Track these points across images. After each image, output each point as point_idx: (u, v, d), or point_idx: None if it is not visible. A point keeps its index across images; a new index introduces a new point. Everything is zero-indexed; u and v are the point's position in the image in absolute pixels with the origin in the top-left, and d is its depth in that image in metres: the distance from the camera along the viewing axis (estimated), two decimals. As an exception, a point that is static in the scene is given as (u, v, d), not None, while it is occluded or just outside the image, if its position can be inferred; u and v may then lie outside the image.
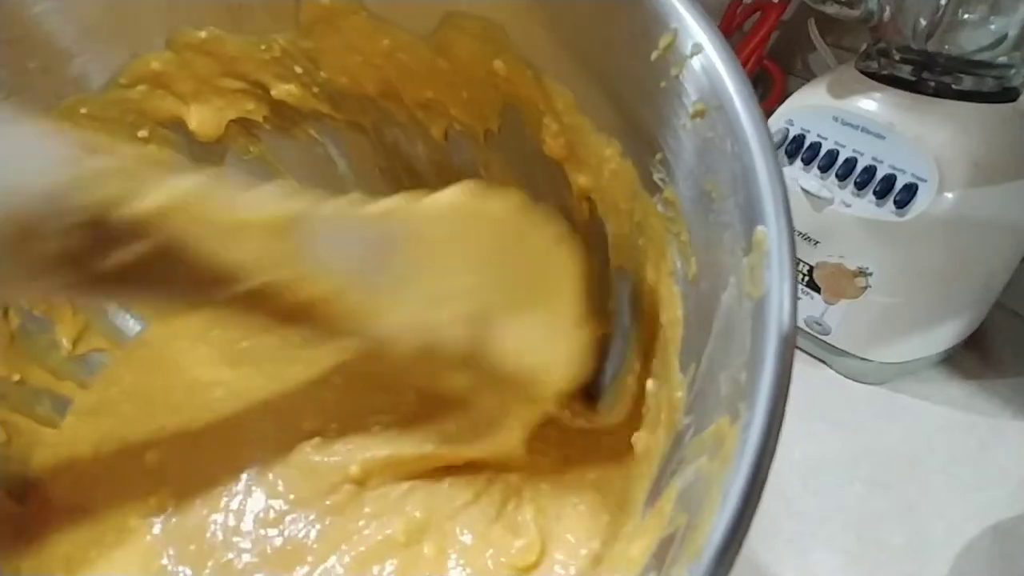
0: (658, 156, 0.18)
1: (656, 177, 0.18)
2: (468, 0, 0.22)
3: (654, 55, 0.16)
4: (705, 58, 0.15)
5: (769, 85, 0.43)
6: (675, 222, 0.18)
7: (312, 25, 0.25)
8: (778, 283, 0.13)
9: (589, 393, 0.25)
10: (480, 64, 0.23)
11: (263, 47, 0.26)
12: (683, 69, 0.16)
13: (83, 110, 0.26)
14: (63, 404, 0.27)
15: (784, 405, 0.12)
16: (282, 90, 0.27)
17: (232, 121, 0.28)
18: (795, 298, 0.13)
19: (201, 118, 0.28)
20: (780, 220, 0.13)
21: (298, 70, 0.27)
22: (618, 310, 0.24)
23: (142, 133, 0.28)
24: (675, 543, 0.13)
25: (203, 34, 0.25)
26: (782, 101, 0.33)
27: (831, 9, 0.29)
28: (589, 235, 0.24)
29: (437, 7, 0.22)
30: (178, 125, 0.28)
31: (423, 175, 0.30)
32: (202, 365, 0.28)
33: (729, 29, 0.41)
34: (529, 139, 0.24)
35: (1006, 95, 0.28)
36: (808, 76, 0.43)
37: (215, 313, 0.28)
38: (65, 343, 0.28)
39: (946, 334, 0.31)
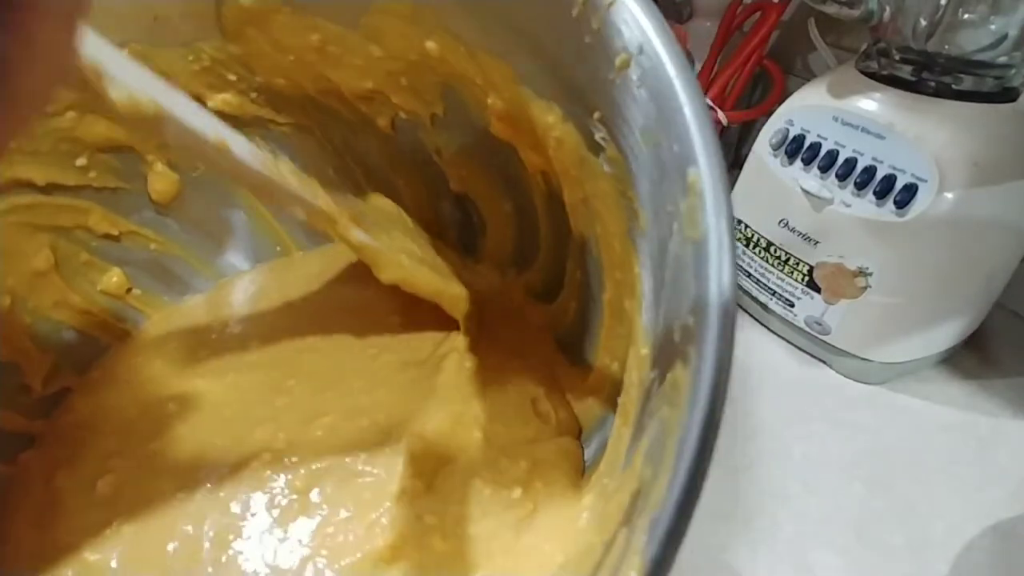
0: (596, 115, 0.18)
1: (598, 137, 0.18)
2: None
3: (575, 11, 0.17)
4: (623, 7, 0.15)
5: (769, 85, 0.43)
6: (621, 180, 0.18)
7: (237, 29, 0.25)
8: (715, 223, 0.13)
9: (582, 361, 0.25)
10: (413, 47, 0.23)
11: (191, 58, 0.25)
12: (603, 21, 0.16)
13: (11, 144, 0.25)
14: (24, 442, 0.26)
15: (731, 344, 0.12)
16: (218, 100, 0.27)
17: None
18: (732, 237, 0.13)
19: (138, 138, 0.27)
20: (710, 160, 0.13)
21: (231, 77, 0.26)
22: (587, 279, 0.24)
23: (80, 162, 0.26)
24: (641, 495, 0.14)
25: (125, 51, 0.24)
26: (782, 101, 0.33)
27: (831, 9, 0.29)
28: (551, 207, 0.24)
29: None
30: (118, 148, 0.27)
31: (377, 169, 0.30)
32: (156, 381, 0.27)
33: (729, 29, 0.41)
34: (475, 119, 0.24)
35: (1006, 95, 0.28)
36: (808, 76, 0.43)
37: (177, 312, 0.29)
38: (36, 386, 0.26)
39: (946, 334, 0.31)
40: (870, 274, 0.29)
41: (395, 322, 0.28)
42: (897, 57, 0.29)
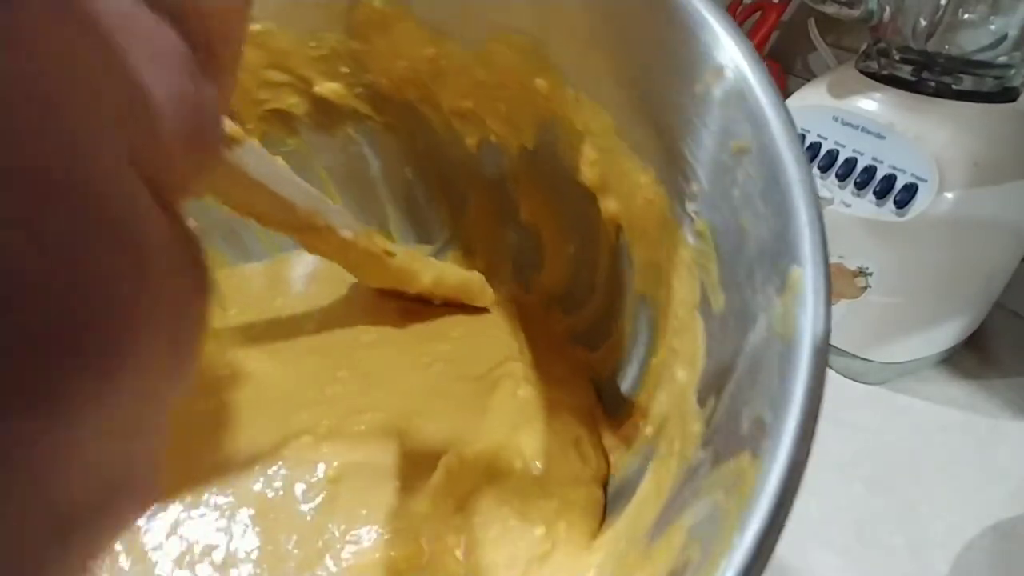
0: (694, 187, 0.17)
1: (690, 208, 0.18)
2: (516, 15, 0.22)
3: (698, 87, 0.16)
4: (751, 95, 0.15)
5: None
6: (705, 255, 0.17)
7: (363, 27, 0.26)
8: (811, 326, 0.12)
9: (613, 411, 0.25)
10: (522, 79, 0.23)
11: (313, 44, 0.27)
12: (728, 105, 0.15)
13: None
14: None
15: (810, 447, 0.12)
16: (326, 87, 0.28)
17: (272, 111, 0.29)
18: (827, 341, 0.12)
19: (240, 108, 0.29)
20: (817, 262, 0.13)
21: (344, 70, 0.27)
22: (637, 337, 0.24)
23: None
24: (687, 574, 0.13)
25: (257, 27, 0.26)
26: (782, 101, 0.33)
27: (831, 9, 0.29)
28: (615, 259, 0.24)
29: (485, 19, 0.23)
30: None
31: (453, 181, 0.30)
32: (211, 341, 0.27)
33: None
34: (563, 161, 0.24)
35: (1006, 95, 0.28)
36: (808, 76, 0.43)
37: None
38: None
39: (946, 334, 0.31)
40: (870, 274, 0.29)
41: (454, 334, 0.28)
42: (897, 57, 0.29)
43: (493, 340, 0.27)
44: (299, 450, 0.22)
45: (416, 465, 0.22)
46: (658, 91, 0.18)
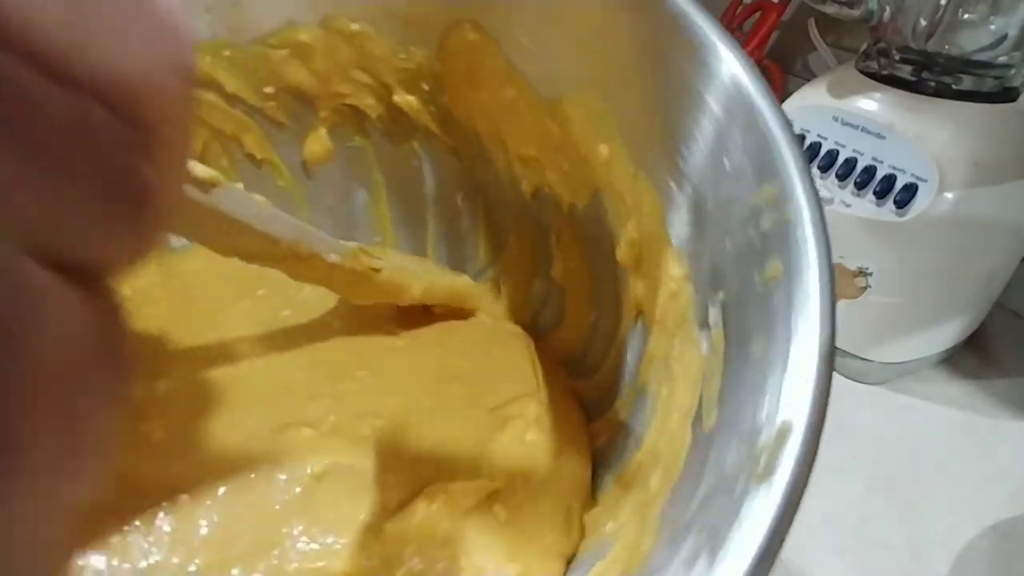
0: (720, 296, 0.17)
1: (711, 316, 0.17)
2: (589, 71, 0.22)
3: (751, 197, 0.16)
4: (797, 218, 0.14)
5: (769, 85, 0.43)
6: (711, 367, 0.17)
7: (452, 53, 0.26)
8: (790, 478, 0.13)
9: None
10: (588, 142, 0.23)
11: (403, 56, 0.27)
12: (773, 225, 0.15)
13: (226, 52, 0.28)
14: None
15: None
16: (404, 98, 0.29)
17: (348, 106, 0.30)
18: (802, 491, 0.12)
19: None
20: (812, 418, 0.13)
21: (424, 86, 0.28)
22: (627, 425, 0.24)
23: (268, 90, 0.29)
24: None
25: (355, 27, 0.27)
26: (782, 101, 0.33)
27: (831, 9, 0.29)
28: (631, 341, 0.24)
29: (568, 77, 0.23)
30: (304, 95, 0.30)
31: (498, 220, 0.31)
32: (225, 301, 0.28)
33: (729, 29, 0.41)
34: (606, 231, 0.24)
35: (1006, 95, 0.28)
36: (808, 76, 0.43)
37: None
38: None
39: (946, 334, 0.31)
40: (870, 274, 0.29)
41: (477, 354, 0.27)
42: (897, 57, 0.29)
43: (514, 371, 0.27)
44: (296, 441, 0.22)
45: (402, 484, 0.21)
46: (713, 191, 0.18)
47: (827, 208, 0.29)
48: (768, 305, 0.14)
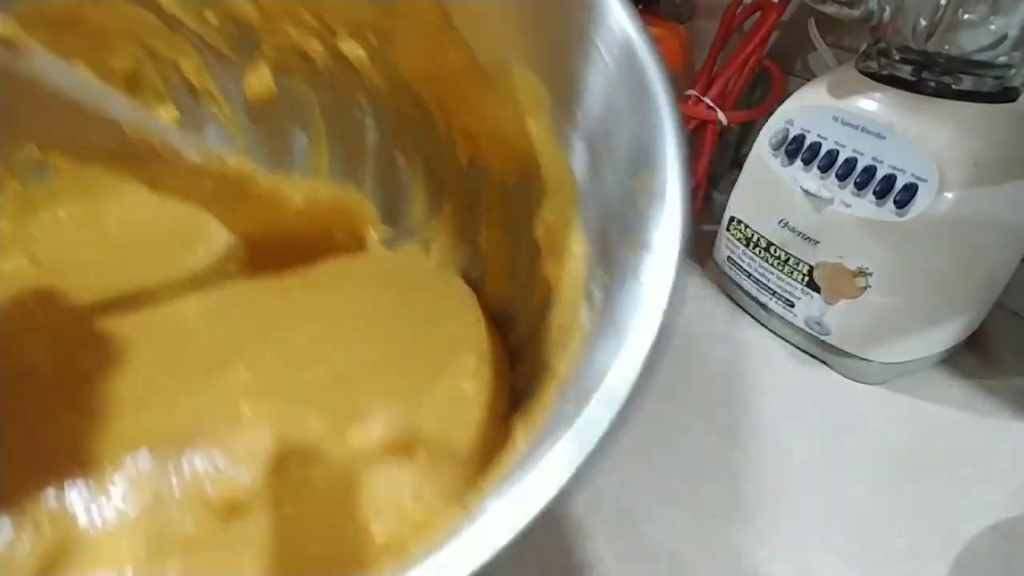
0: (606, 278, 0.18)
1: (595, 292, 0.18)
2: (530, 53, 0.22)
3: (632, 183, 0.17)
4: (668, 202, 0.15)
5: (769, 85, 0.43)
6: (585, 340, 0.17)
7: (403, 13, 0.26)
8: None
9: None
10: (519, 115, 0.23)
11: (352, 3, 0.27)
12: (646, 207, 0.16)
13: None
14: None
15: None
16: (350, 48, 0.29)
17: (294, 48, 0.30)
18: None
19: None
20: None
21: (373, 41, 0.28)
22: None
23: (211, 18, 0.29)
24: None
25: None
26: (782, 101, 0.33)
27: (831, 9, 0.29)
28: (543, 313, 0.24)
29: (512, 49, 0.23)
30: (249, 27, 0.30)
31: (436, 186, 0.31)
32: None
33: (729, 29, 0.41)
34: (529, 210, 0.25)
35: (1006, 95, 0.28)
36: (808, 76, 0.43)
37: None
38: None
39: (946, 334, 0.31)
40: (870, 274, 0.29)
41: (421, 306, 0.28)
42: (897, 57, 0.29)
43: (456, 322, 0.27)
44: (231, 382, 0.23)
45: (329, 424, 0.21)
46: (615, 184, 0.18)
47: (827, 208, 0.29)
48: (636, 282, 0.15)
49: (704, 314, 0.37)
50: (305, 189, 0.26)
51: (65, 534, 0.18)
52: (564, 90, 0.20)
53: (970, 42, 0.27)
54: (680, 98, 0.40)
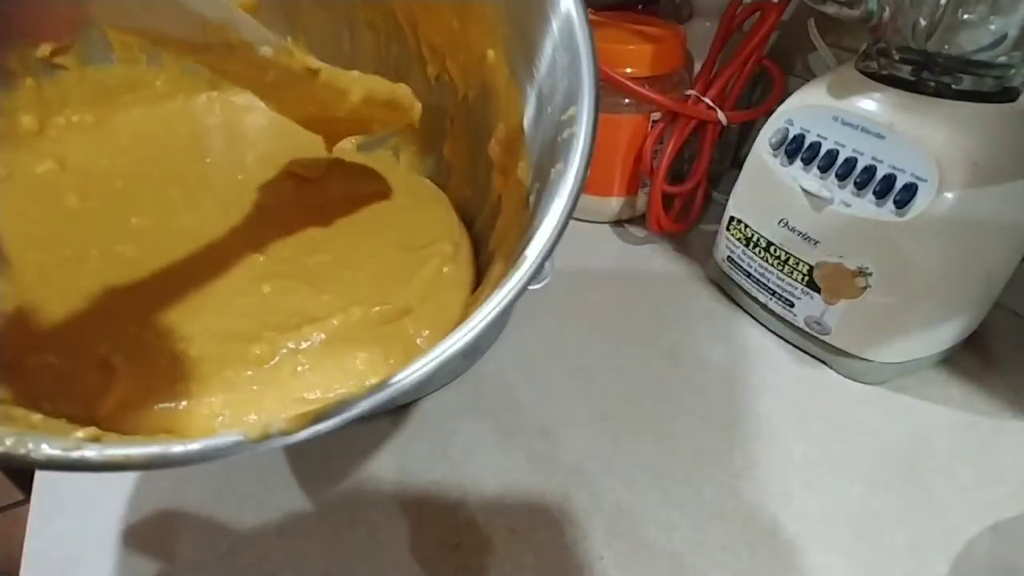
0: (538, 186, 0.23)
1: (531, 198, 0.24)
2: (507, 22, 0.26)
3: (562, 118, 0.22)
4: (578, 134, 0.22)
5: (769, 85, 0.43)
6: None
7: None
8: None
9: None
10: (480, 42, 0.28)
11: None
12: (567, 137, 0.22)
13: None
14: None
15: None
16: None
17: None
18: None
19: None
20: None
21: None
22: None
23: None
24: None
25: None
26: (782, 101, 0.33)
27: (831, 9, 0.29)
28: (496, 207, 0.30)
29: None
30: None
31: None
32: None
33: (729, 29, 0.41)
34: (486, 126, 0.29)
35: (1006, 95, 0.28)
36: (808, 76, 0.43)
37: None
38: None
39: (946, 334, 0.31)
40: (870, 274, 0.29)
41: (402, 209, 0.32)
42: (897, 57, 0.29)
43: (434, 219, 0.32)
44: (252, 263, 0.27)
45: (336, 302, 0.26)
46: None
47: (827, 208, 0.29)
48: (553, 190, 0.21)
49: (704, 314, 0.37)
50: (364, 85, 0.28)
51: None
52: (525, 51, 0.25)
53: (970, 42, 0.27)
54: (680, 98, 0.40)
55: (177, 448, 0.15)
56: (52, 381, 0.22)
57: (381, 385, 0.16)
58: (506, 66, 0.27)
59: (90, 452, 0.15)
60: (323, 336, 0.24)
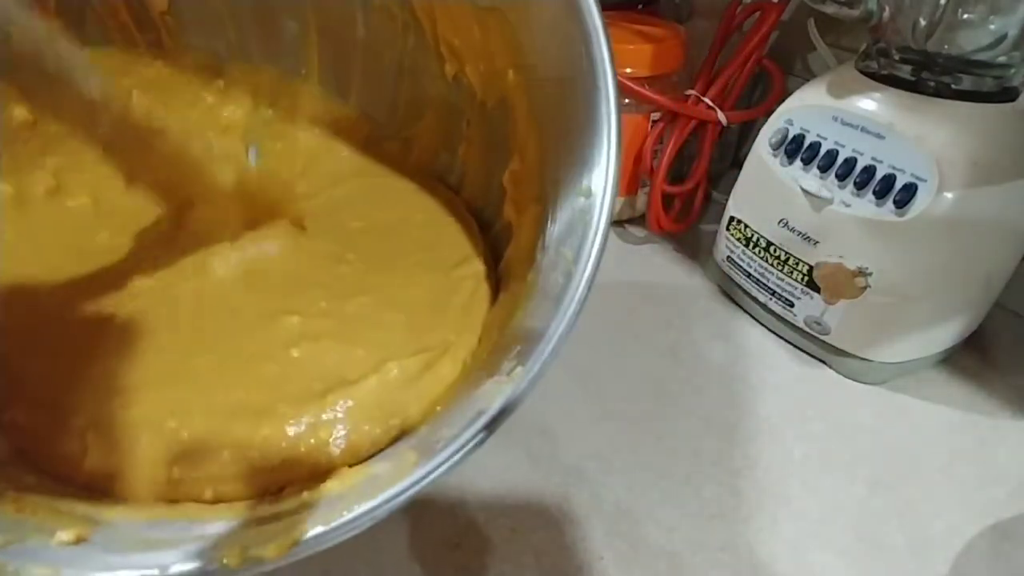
0: (554, 230, 0.23)
1: (541, 248, 0.23)
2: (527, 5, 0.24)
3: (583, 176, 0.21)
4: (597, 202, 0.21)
5: (769, 85, 0.43)
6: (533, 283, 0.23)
7: None
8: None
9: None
10: (501, 57, 0.26)
11: None
12: (587, 197, 0.21)
13: None
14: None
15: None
16: None
17: None
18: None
19: None
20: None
21: None
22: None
23: None
24: None
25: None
26: (782, 101, 0.33)
27: (831, 9, 0.29)
28: (503, 236, 0.29)
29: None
30: None
31: (420, 91, 0.33)
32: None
33: (729, 29, 0.41)
34: (504, 141, 0.28)
35: (1006, 95, 0.28)
36: (808, 76, 0.43)
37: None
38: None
39: (946, 334, 0.31)
40: (870, 274, 0.29)
41: (429, 228, 0.31)
42: (897, 57, 0.29)
43: (457, 236, 0.30)
44: (287, 326, 0.24)
45: (370, 356, 0.24)
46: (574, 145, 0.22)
47: (827, 208, 0.29)
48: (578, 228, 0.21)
49: (704, 314, 0.37)
50: (236, 171, 0.26)
51: None
52: (543, 72, 0.24)
53: (970, 42, 0.27)
54: (680, 98, 0.40)
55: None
56: (36, 440, 0.20)
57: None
58: (526, 97, 0.25)
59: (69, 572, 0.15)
60: (351, 404, 0.22)
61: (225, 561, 0.15)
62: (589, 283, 0.20)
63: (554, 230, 0.23)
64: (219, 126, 0.32)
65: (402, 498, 0.16)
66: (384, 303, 0.26)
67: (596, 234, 0.20)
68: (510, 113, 0.27)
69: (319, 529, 0.16)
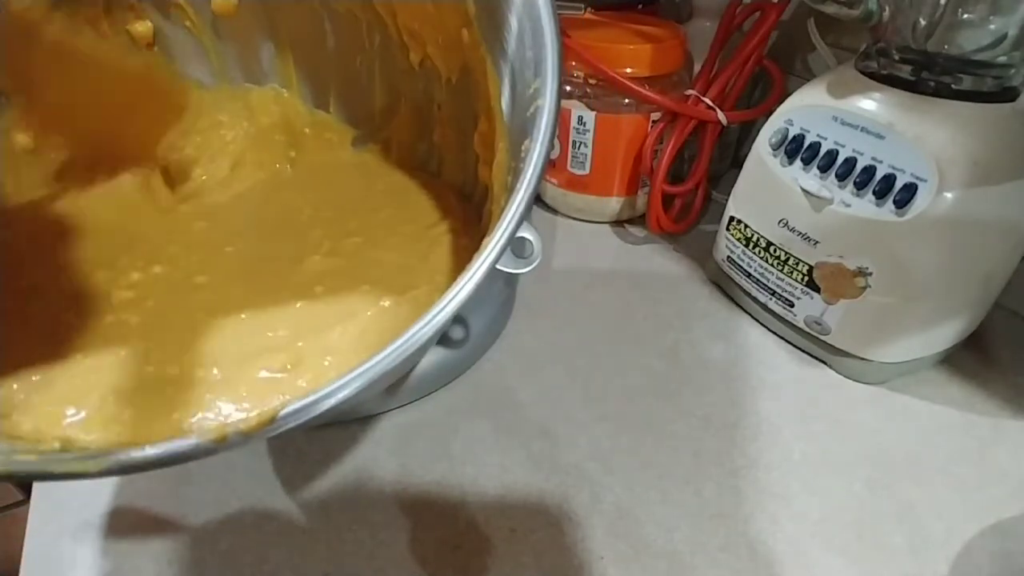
0: (514, 163, 0.23)
1: (510, 179, 0.23)
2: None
3: (529, 92, 0.23)
4: (543, 107, 0.22)
5: (769, 85, 0.43)
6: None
7: None
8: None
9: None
10: (455, 24, 0.28)
11: None
12: (533, 112, 0.22)
13: None
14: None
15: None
16: None
17: None
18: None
19: None
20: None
21: None
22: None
23: None
24: None
25: None
26: (781, 101, 0.33)
27: (831, 9, 0.29)
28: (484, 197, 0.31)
29: None
30: None
31: (392, 87, 0.36)
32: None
33: (729, 29, 0.41)
34: (474, 107, 0.30)
35: (1006, 95, 0.28)
36: (808, 76, 0.43)
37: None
38: None
39: (946, 334, 0.31)
40: (870, 274, 0.29)
41: (402, 189, 0.35)
42: (897, 57, 0.29)
43: (434, 196, 0.34)
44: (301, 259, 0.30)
45: (369, 295, 0.27)
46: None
47: (827, 208, 0.29)
48: (522, 168, 0.21)
49: (704, 314, 0.37)
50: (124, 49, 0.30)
51: None
52: (494, 26, 0.25)
53: (970, 42, 0.27)
54: (680, 98, 0.40)
55: (135, 454, 0.16)
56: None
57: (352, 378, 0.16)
58: (481, 44, 0.27)
59: (56, 463, 0.16)
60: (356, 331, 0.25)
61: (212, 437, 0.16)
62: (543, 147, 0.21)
63: (517, 151, 0.24)
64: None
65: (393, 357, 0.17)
66: (372, 244, 0.30)
67: (545, 119, 0.21)
68: (471, 76, 0.29)
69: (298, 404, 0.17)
